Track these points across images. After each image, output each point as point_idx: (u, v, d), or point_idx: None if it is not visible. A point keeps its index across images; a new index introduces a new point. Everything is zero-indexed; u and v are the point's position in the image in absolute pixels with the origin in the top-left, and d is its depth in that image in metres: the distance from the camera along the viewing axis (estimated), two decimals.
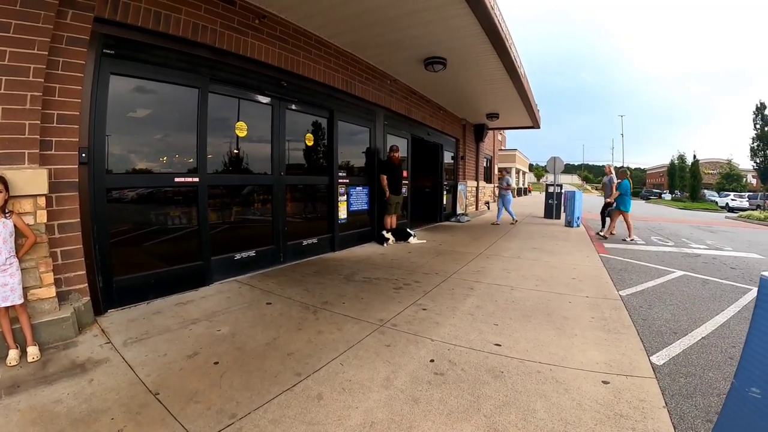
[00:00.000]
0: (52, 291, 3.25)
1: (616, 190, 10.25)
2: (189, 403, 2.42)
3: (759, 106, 36.08)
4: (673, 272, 6.45)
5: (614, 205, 10.38)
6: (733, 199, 33.43)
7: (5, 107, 3.00)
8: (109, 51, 3.84)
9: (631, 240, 9.72)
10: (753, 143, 35.90)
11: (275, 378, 2.73)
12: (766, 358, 1.26)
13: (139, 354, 3.05)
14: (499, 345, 3.35)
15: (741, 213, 23.95)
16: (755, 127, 35.92)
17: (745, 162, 42.77)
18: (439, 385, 2.69)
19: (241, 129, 5.44)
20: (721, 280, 5.97)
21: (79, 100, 3.53)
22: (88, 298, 3.61)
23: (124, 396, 2.49)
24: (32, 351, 2.91)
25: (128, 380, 2.68)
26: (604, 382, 2.74)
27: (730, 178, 49.07)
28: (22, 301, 2.91)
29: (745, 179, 49.83)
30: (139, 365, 2.88)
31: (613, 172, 11.37)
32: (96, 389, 2.55)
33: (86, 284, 3.62)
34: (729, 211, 29.66)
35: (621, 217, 10.33)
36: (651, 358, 3.19)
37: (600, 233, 10.76)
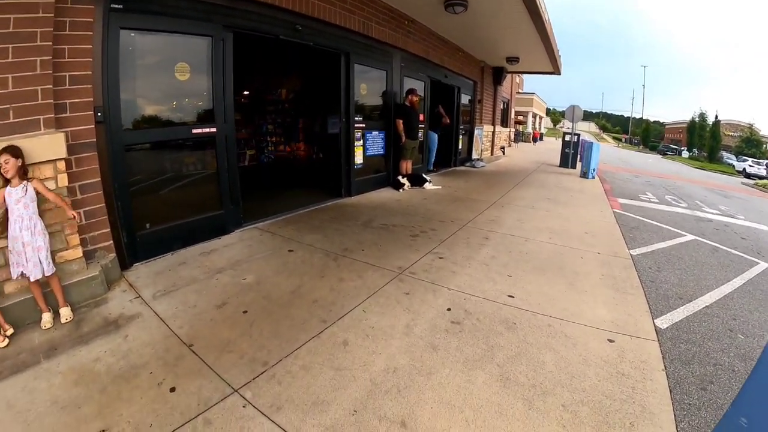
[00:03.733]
0: (78, 252, 3.28)
1: None
2: (223, 353, 2.57)
3: None
4: (685, 235, 6.51)
5: None
6: (750, 165, 32.30)
7: (16, 75, 2.91)
8: (117, 5, 3.66)
9: None
10: None
11: (302, 325, 2.90)
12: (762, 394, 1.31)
13: (169, 306, 3.15)
14: (513, 297, 3.50)
15: (758, 181, 23.35)
16: None
17: (767, 128, 41.31)
18: (456, 334, 2.87)
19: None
20: (730, 249, 6.01)
21: (90, 59, 3.44)
22: (114, 254, 3.67)
23: (159, 350, 2.60)
24: (65, 312, 2.96)
25: (162, 334, 2.78)
26: (610, 341, 2.90)
27: (750, 143, 47.83)
28: (52, 271, 2.92)
29: (765, 146, 48.36)
30: (170, 318, 2.98)
31: None
32: (132, 345, 2.65)
33: (111, 241, 3.66)
34: (746, 177, 28.94)
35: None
36: (655, 321, 3.33)
37: None
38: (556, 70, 15.08)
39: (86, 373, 2.36)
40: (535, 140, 38.59)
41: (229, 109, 4.83)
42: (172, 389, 2.24)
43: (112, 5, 3.63)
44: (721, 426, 1.59)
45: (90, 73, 3.45)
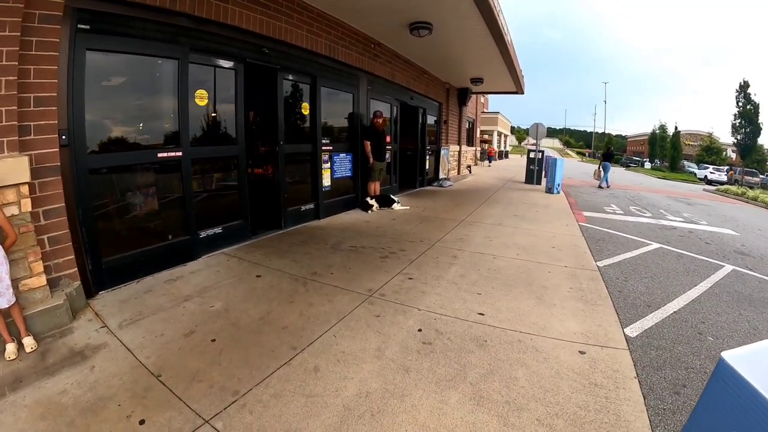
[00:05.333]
0: (42, 279, 3.17)
1: None
2: (192, 383, 2.49)
3: (742, 84, 36.28)
4: (650, 244, 6.69)
5: None
6: (711, 172, 34.08)
7: None
8: (84, 26, 3.60)
9: None
10: (735, 120, 36.27)
11: (272, 353, 2.83)
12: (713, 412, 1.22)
13: (136, 336, 3.05)
14: (483, 314, 3.52)
15: (719, 187, 24.44)
16: (737, 104, 36.18)
17: (725, 136, 43.39)
18: (428, 355, 2.85)
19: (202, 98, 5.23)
20: (695, 255, 6.20)
21: (56, 81, 3.35)
22: (79, 282, 3.55)
23: (127, 381, 2.51)
24: (28, 342, 2.83)
25: (129, 364, 2.69)
26: (581, 352, 2.93)
27: (710, 151, 49.89)
28: (12, 303, 2.79)
29: (724, 153, 50.50)
30: (137, 348, 2.89)
31: None
32: (99, 376, 2.56)
33: (76, 268, 3.54)
34: (707, 184, 30.36)
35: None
36: (625, 329, 3.39)
37: None
38: (519, 90, 15.51)
39: (53, 406, 2.27)
40: (490, 159, 30.96)
41: (188, 133, 4.77)
42: (142, 422, 2.14)
43: (78, 26, 3.57)
44: None
45: (55, 94, 3.35)
